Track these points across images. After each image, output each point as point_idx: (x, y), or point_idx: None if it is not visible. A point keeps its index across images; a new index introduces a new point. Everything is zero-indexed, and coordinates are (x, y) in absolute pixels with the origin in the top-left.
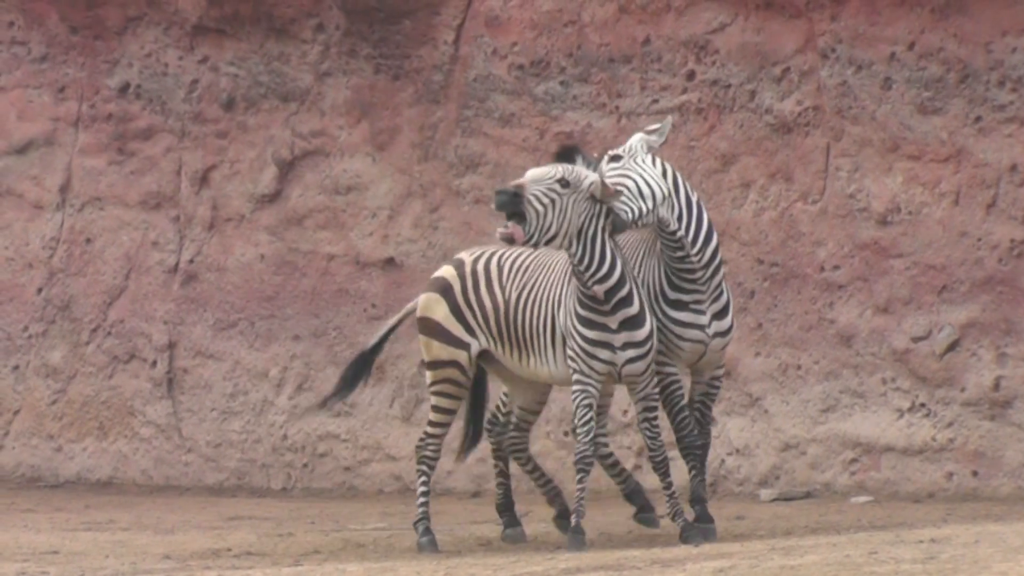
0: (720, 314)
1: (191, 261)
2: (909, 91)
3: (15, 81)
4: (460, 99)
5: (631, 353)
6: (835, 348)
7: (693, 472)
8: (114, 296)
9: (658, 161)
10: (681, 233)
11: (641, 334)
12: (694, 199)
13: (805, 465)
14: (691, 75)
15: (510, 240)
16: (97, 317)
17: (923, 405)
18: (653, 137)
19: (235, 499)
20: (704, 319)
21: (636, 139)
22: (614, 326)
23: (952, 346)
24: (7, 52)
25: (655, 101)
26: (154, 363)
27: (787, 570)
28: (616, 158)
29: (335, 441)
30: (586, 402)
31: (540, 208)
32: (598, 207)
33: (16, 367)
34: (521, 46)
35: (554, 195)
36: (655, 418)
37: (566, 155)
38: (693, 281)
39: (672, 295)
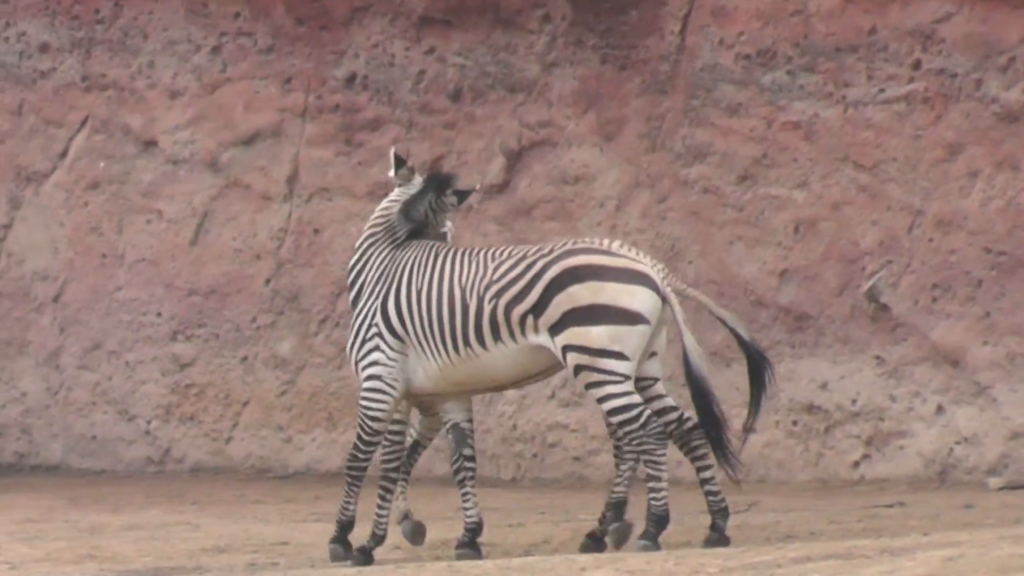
0: None
1: None
2: None
3: (242, 72)
4: (687, 89)
5: None
6: None
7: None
8: (342, 287)
9: None
10: None
11: None
12: None
13: None
14: (917, 64)
15: None
16: (325, 308)
17: None
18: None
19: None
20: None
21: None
22: None
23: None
24: (233, 43)
25: (881, 91)
26: None
27: (1016, 558)
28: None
29: (564, 431)
30: None
31: None
32: None
33: (245, 358)
34: (747, 36)
35: None
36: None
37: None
38: None
39: None
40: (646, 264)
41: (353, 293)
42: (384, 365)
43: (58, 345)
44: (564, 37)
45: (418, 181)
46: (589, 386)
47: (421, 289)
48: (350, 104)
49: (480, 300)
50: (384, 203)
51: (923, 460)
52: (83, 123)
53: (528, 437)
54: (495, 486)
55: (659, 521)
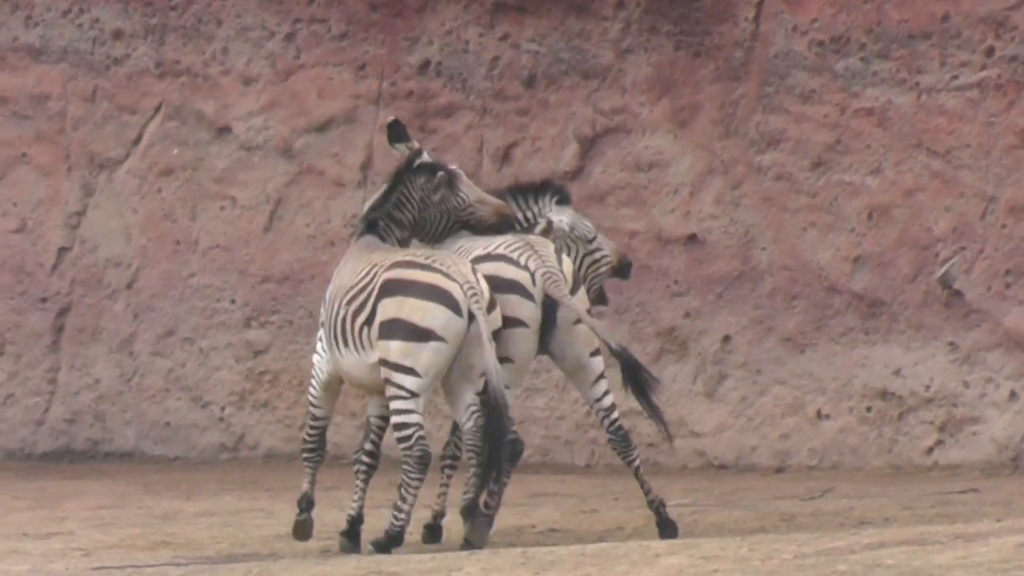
0: None
1: None
2: None
3: (315, 59)
4: (761, 76)
5: None
6: None
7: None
8: None
9: None
10: None
11: None
12: None
13: None
14: (990, 51)
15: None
16: None
17: None
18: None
19: (539, 476)
20: None
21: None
22: None
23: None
24: (307, 30)
25: (955, 77)
26: None
27: None
28: None
29: (638, 417)
30: None
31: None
32: None
33: None
34: (821, 22)
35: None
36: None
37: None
38: None
39: None
40: (455, 280)
41: None
42: (316, 354)
43: (131, 332)
44: (638, 23)
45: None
46: (389, 399)
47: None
48: (424, 91)
49: (342, 305)
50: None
51: (996, 446)
52: (156, 110)
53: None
54: (569, 472)
55: (392, 540)
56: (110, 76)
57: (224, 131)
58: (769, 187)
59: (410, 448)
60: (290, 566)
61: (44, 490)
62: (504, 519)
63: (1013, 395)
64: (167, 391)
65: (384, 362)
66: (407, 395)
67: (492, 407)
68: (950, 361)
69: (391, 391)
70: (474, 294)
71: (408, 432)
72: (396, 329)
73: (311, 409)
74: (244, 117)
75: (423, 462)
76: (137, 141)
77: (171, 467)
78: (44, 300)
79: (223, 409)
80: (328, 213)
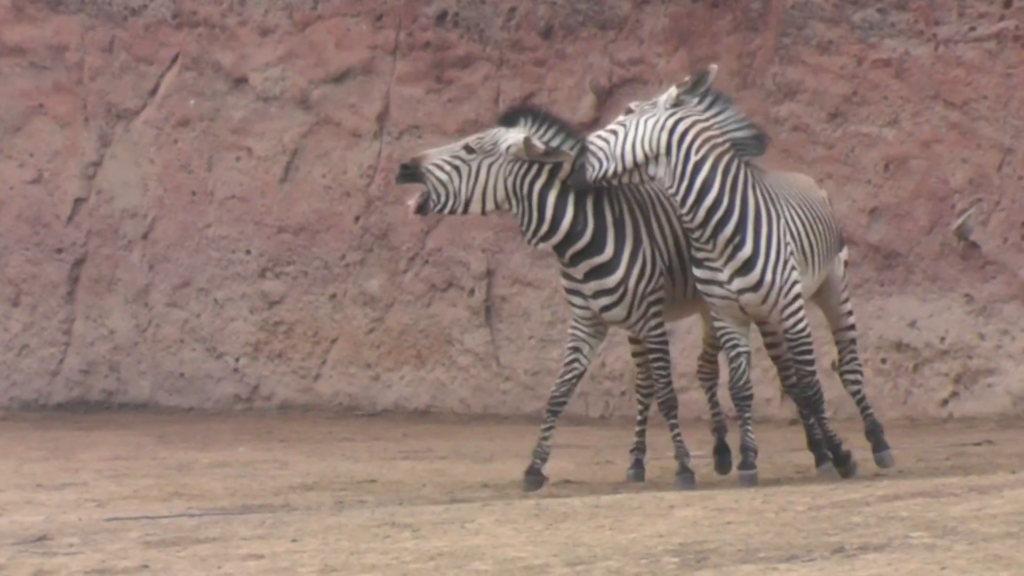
0: (741, 271)
1: None
2: None
3: (333, 9)
4: (778, 26)
5: (604, 300)
6: None
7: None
8: (432, 224)
9: (672, 118)
10: (673, 191)
11: (610, 281)
12: (692, 159)
13: None
14: (1008, 2)
15: (416, 209)
16: (415, 246)
17: None
18: (682, 90)
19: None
20: (721, 276)
21: (666, 94)
22: (579, 276)
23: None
24: None
25: (972, 28)
26: (472, 291)
27: None
28: (629, 111)
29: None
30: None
31: (442, 176)
32: (536, 166)
33: (333, 295)
34: None
35: (458, 162)
36: (656, 362)
37: (508, 119)
38: (697, 239)
39: (694, 253)
40: None
41: (736, 218)
42: (801, 284)
43: (147, 282)
44: None
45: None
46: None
47: (801, 212)
48: (441, 41)
49: (829, 219)
50: (690, 121)
51: (1012, 398)
52: (174, 60)
53: (617, 375)
54: (583, 424)
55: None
56: (127, 27)
57: (241, 82)
58: (786, 138)
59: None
60: (304, 517)
61: (59, 441)
62: (518, 470)
63: None
64: (182, 342)
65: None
66: None
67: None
68: (966, 313)
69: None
70: None
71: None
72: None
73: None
74: (261, 68)
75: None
76: (154, 92)
77: (186, 418)
78: (60, 251)
79: (238, 360)
80: (345, 164)
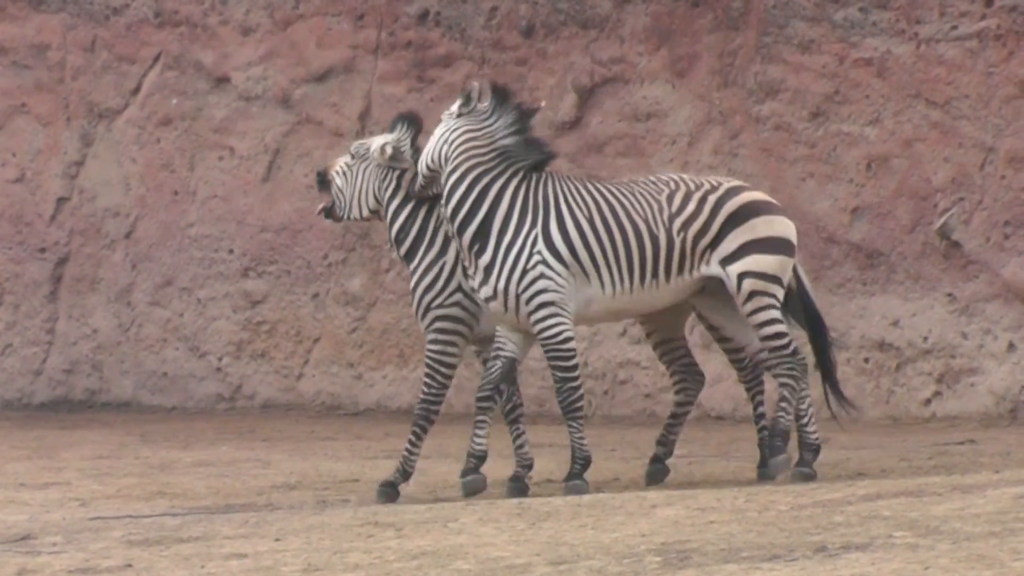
0: (485, 278)
1: None
2: None
3: (314, 9)
4: (759, 25)
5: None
6: None
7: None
8: None
9: (449, 129)
10: (443, 200)
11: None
12: (450, 167)
13: None
14: (990, 1)
15: (325, 216)
16: None
17: None
18: (457, 108)
19: (535, 426)
20: (473, 283)
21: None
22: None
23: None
24: None
25: (954, 27)
26: None
27: None
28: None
29: (635, 368)
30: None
31: (339, 182)
32: (392, 173)
33: (316, 295)
34: None
35: (346, 168)
36: (425, 376)
37: (394, 123)
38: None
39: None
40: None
41: (475, 225)
42: (555, 292)
43: (129, 281)
44: None
45: (483, 106)
46: (757, 311)
47: (592, 219)
48: (422, 40)
49: (668, 232)
50: (461, 131)
51: (994, 397)
52: (155, 59)
53: (599, 374)
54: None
55: (813, 450)
56: (109, 26)
57: (223, 81)
58: (767, 137)
59: (795, 354)
60: (287, 516)
61: (42, 440)
62: (500, 470)
63: (1011, 346)
64: (165, 341)
65: (761, 275)
66: (779, 305)
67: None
68: (948, 312)
69: (766, 302)
70: None
71: (789, 339)
72: (774, 245)
73: (574, 344)
74: (243, 67)
75: (807, 368)
76: (136, 91)
77: (168, 417)
78: (43, 250)
79: (220, 359)
80: (326, 163)
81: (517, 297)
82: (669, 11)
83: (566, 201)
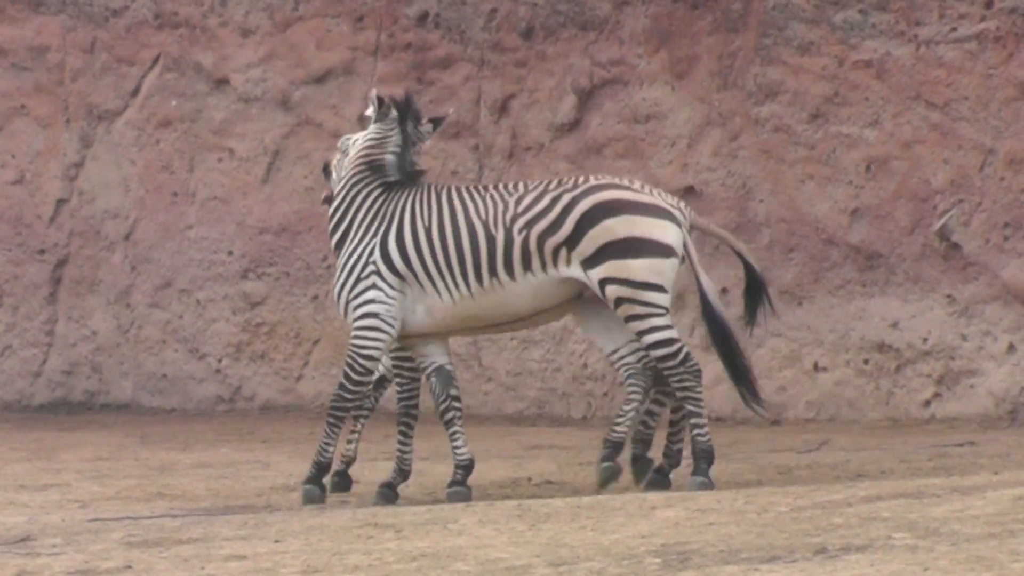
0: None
1: None
2: None
3: (313, 10)
4: (759, 27)
5: None
6: None
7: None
8: None
9: (360, 137)
10: None
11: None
12: (342, 175)
13: None
14: (989, 3)
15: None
16: None
17: None
18: (373, 116)
19: (535, 428)
20: None
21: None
22: None
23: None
24: None
25: (954, 29)
26: None
27: None
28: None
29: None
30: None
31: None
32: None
33: (315, 297)
34: None
35: (335, 162)
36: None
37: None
38: None
39: None
40: (670, 202)
41: (339, 235)
42: (382, 303)
43: (129, 283)
44: None
45: (393, 115)
46: (631, 319)
47: (430, 227)
48: (422, 42)
49: (508, 231)
50: (363, 143)
51: (994, 399)
52: (155, 61)
53: (599, 376)
54: (565, 424)
55: (707, 456)
56: (109, 27)
57: (222, 83)
58: (767, 139)
59: (683, 363)
60: (286, 518)
61: (41, 441)
62: (500, 471)
63: (1011, 348)
64: (164, 343)
65: (623, 281)
66: (662, 312)
67: (716, 328)
68: (948, 314)
69: (639, 310)
70: (686, 216)
71: (675, 348)
72: (636, 247)
73: (372, 364)
74: (242, 69)
75: (698, 373)
76: (135, 93)
77: (168, 419)
78: (42, 252)
79: (220, 361)
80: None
81: (347, 303)
82: (668, 13)
83: (411, 211)
